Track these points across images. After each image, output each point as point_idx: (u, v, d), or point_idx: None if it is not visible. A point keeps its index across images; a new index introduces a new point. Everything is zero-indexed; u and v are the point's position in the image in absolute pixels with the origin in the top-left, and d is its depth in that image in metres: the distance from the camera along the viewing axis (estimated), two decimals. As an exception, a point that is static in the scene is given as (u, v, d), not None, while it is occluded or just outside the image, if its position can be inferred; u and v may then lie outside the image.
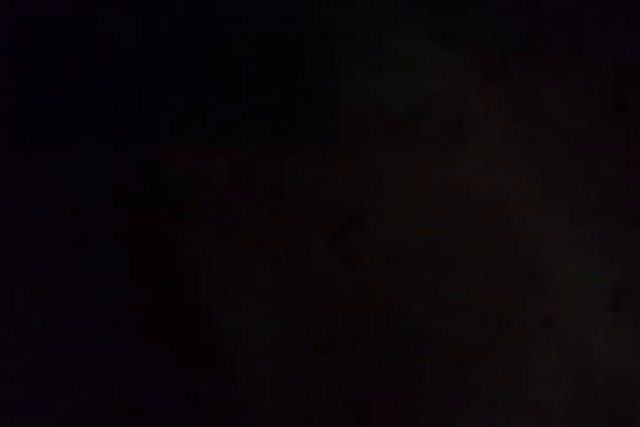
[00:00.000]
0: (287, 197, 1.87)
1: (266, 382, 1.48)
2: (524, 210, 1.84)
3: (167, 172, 1.94)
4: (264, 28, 2.51)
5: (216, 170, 1.94)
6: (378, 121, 2.12)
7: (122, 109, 2.18)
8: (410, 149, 2.02)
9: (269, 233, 1.77)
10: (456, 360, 1.52)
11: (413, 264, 1.71)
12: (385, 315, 1.60)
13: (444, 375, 1.50)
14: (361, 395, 1.46)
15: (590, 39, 2.39)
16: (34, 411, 1.44)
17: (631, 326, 1.60)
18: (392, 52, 2.35)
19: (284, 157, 1.99)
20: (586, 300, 1.65)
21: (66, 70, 2.32)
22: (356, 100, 2.19)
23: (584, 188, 1.91)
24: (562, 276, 1.69)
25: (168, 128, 2.10)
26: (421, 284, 1.67)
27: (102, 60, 2.37)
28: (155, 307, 1.61)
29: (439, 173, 1.95)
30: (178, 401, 1.46)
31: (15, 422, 1.42)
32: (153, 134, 2.08)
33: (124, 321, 1.57)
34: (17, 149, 2.03)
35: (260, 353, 1.52)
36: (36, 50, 2.39)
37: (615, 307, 1.63)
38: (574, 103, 2.17)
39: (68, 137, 2.09)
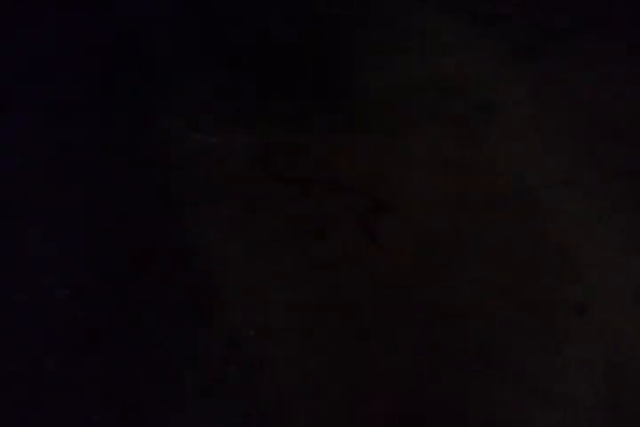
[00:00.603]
0: (315, 179, 1.83)
1: (294, 365, 1.40)
2: (554, 195, 1.79)
3: (189, 149, 1.91)
4: (289, 7, 2.55)
5: (243, 148, 1.91)
6: (407, 103, 2.10)
7: (147, 81, 2.19)
8: (438, 132, 1.99)
9: (297, 214, 1.72)
10: (485, 347, 1.45)
11: (442, 248, 1.66)
12: (413, 299, 1.54)
13: (473, 362, 1.42)
14: (390, 379, 1.38)
15: (619, 22, 2.40)
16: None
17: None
18: (421, 35, 2.36)
19: (312, 138, 1.96)
20: (618, 287, 1.58)
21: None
22: (384, 82, 2.18)
23: (614, 174, 1.86)
24: (593, 262, 1.62)
25: (194, 105, 2.09)
26: (450, 269, 1.61)
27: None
28: (177, 288, 1.54)
29: (468, 156, 1.90)
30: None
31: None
32: (175, 110, 2.06)
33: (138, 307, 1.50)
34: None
35: (286, 336, 1.45)
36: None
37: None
38: (604, 88, 2.14)
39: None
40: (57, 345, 1.41)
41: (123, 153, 1.91)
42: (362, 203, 1.75)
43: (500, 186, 1.82)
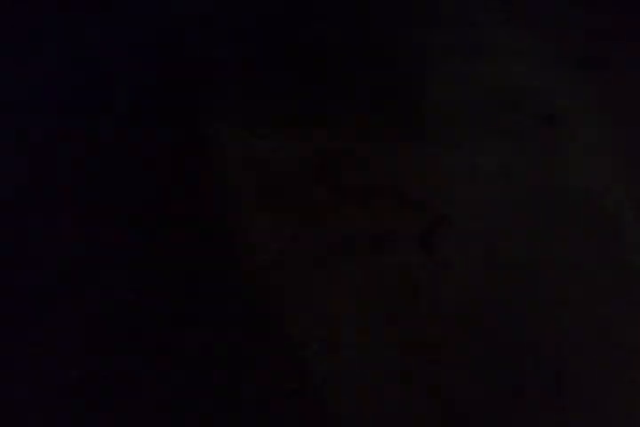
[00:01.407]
0: (372, 190, 1.79)
1: (356, 380, 1.37)
2: (624, 210, 1.73)
3: (243, 154, 1.90)
4: (350, 16, 2.53)
5: (299, 154, 1.89)
6: (469, 114, 2.06)
7: (203, 83, 2.18)
8: (501, 145, 1.94)
9: (355, 226, 1.69)
10: (554, 366, 1.39)
11: (509, 264, 1.60)
12: (479, 317, 1.49)
13: (540, 383, 1.37)
14: (455, 403, 1.33)
15: None
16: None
17: None
18: (481, 42, 2.33)
19: (371, 147, 1.93)
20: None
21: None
22: (448, 92, 2.14)
23: None
24: None
25: (250, 108, 2.07)
26: (519, 286, 1.56)
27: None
28: (234, 302, 1.52)
29: (533, 169, 1.85)
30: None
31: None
32: (230, 113, 2.05)
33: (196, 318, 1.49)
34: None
35: (347, 350, 1.42)
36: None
37: None
38: None
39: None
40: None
41: (175, 156, 1.91)
42: (422, 216, 1.72)
43: (567, 200, 1.76)
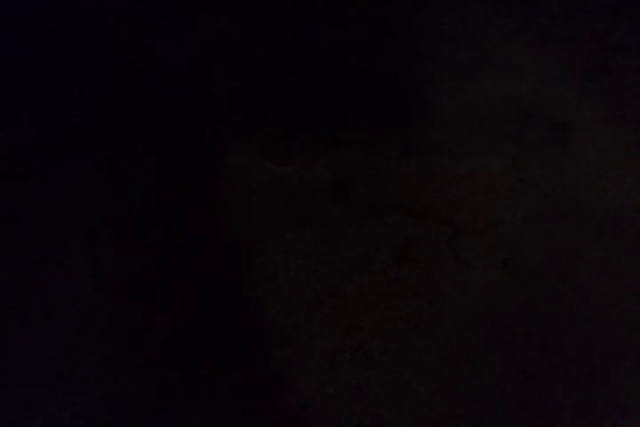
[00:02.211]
0: (392, 204, 1.85)
1: (389, 386, 1.44)
2: (637, 217, 1.77)
3: (263, 179, 1.96)
4: (358, 37, 2.59)
5: (318, 175, 1.96)
6: (484, 125, 2.11)
7: (219, 113, 2.24)
8: (517, 153, 1.99)
9: (379, 240, 1.75)
10: (580, 366, 1.45)
11: (532, 270, 1.66)
12: (500, 318, 1.55)
13: (568, 383, 1.43)
14: (487, 403, 1.40)
15: None
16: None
17: None
18: (497, 57, 2.39)
19: (388, 163, 1.98)
20: None
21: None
22: (461, 104, 2.20)
23: None
24: None
25: (265, 135, 2.13)
26: (542, 290, 1.61)
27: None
28: (269, 314, 1.59)
29: (549, 177, 1.90)
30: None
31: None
32: (246, 141, 2.11)
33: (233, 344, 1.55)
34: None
35: (379, 358, 1.48)
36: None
37: None
38: None
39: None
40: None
41: (195, 186, 1.96)
42: (445, 227, 1.76)
43: (585, 208, 1.80)
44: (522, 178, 1.90)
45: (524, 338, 1.51)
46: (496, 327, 1.53)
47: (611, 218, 1.77)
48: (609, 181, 1.88)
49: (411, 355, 1.49)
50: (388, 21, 2.62)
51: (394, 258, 1.69)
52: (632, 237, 1.72)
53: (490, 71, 2.32)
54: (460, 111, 2.17)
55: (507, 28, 2.53)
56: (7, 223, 1.82)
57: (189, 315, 1.58)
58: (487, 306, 1.57)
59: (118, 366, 1.48)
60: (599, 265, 1.66)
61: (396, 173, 1.95)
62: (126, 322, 1.57)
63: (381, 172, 1.96)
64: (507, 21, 2.56)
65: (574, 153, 1.98)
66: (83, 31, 2.63)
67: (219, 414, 1.40)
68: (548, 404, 1.40)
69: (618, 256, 1.67)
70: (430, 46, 2.47)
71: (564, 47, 2.40)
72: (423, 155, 2.01)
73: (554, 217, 1.78)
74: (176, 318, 1.58)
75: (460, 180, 1.92)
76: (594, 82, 2.23)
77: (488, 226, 1.77)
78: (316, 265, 1.69)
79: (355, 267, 1.68)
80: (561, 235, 1.74)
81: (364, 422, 1.37)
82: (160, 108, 2.26)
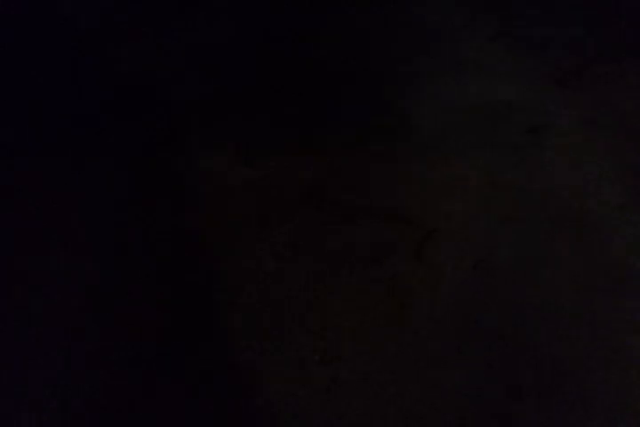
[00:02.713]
0: (366, 208, 1.86)
1: (359, 388, 1.45)
2: (612, 219, 1.80)
3: (235, 183, 1.96)
4: (334, 40, 2.59)
5: (293, 178, 1.96)
6: (458, 130, 2.13)
7: (188, 116, 2.24)
8: (491, 158, 2.01)
9: (351, 243, 1.76)
10: (549, 365, 1.48)
11: (502, 273, 1.68)
12: (473, 319, 1.57)
13: (537, 380, 1.45)
14: (459, 403, 1.42)
15: None
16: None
17: None
18: (466, 60, 2.41)
19: (363, 167, 1.99)
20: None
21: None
22: (436, 110, 2.22)
23: None
24: None
25: (237, 138, 2.13)
26: (512, 293, 1.63)
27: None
28: (234, 318, 1.60)
29: (522, 181, 1.92)
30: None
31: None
32: (217, 144, 2.11)
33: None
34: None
35: (349, 361, 1.50)
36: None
37: None
38: None
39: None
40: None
41: (168, 190, 1.96)
42: (417, 230, 1.77)
43: (556, 211, 1.82)
44: (494, 182, 1.92)
45: (494, 339, 1.53)
46: (466, 328, 1.55)
47: (581, 221, 1.79)
48: (580, 184, 1.91)
49: (381, 356, 1.50)
50: (362, 27, 2.64)
51: (366, 261, 1.71)
52: (601, 240, 1.74)
53: (465, 77, 2.33)
54: (434, 116, 2.18)
55: (482, 35, 2.54)
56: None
57: (159, 316, 1.60)
58: (458, 308, 1.59)
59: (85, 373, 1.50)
60: (568, 266, 1.68)
61: (369, 177, 1.96)
62: (96, 326, 1.59)
63: (355, 175, 1.97)
64: (482, 28, 2.57)
65: (546, 158, 2.00)
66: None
67: (183, 418, 1.41)
68: (518, 405, 1.41)
69: (586, 258, 1.70)
70: (405, 52, 2.48)
71: (538, 54, 2.42)
72: (397, 159, 2.02)
73: (525, 220, 1.81)
74: (145, 318, 1.59)
75: (434, 184, 1.93)
76: (567, 88, 2.25)
77: (460, 229, 1.79)
78: (288, 267, 1.70)
79: (327, 269, 1.69)
80: (531, 237, 1.76)
81: (333, 424, 1.38)
82: (132, 112, 2.27)
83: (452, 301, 1.60)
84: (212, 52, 2.52)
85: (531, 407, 1.40)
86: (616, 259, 1.69)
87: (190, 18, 2.72)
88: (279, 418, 1.39)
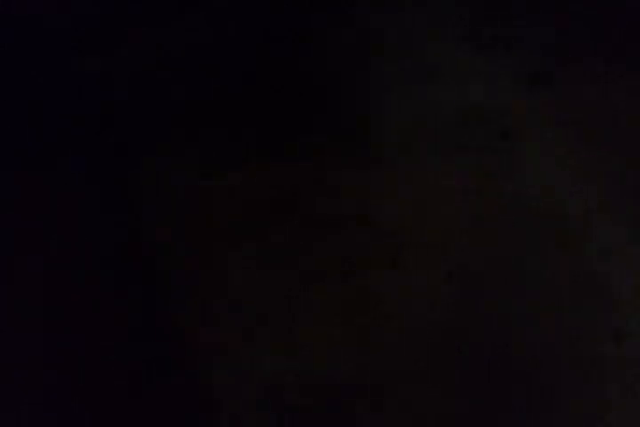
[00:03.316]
0: (338, 216, 1.85)
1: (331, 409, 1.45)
2: (585, 221, 1.80)
3: (203, 191, 1.94)
4: (307, 39, 2.53)
5: (258, 193, 1.92)
6: (428, 133, 2.11)
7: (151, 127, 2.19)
8: (462, 162, 2.00)
9: (325, 253, 1.75)
10: (522, 376, 1.48)
11: (476, 279, 1.68)
12: (445, 330, 1.57)
13: (510, 392, 1.46)
14: (426, 412, 1.43)
15: (632, 47, 2.37)
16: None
17: None
18: (435, 62, 2.37)
19: (334, 173, 1.98)
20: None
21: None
22: (399, 112, 2.19)
23: None
24: (628, 288, 1.64)
25: (205, 149, 2.09)
26: (487, 299, 1.63)
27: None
28: (208, 333, 1.60)
29: (494, 185, 1.92)
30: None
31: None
32: (187, 155, 2.07)
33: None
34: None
35: (321, 379, 1.50)
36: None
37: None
38: (625, 108, 2.12)
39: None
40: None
41: (139, 201, 1.92)
42: (390, 239, 1.76)
43: (528, 212, 1.83)
44: (467, 187, 1.90)
45: (467, 351, 1.52)
46: (439, 341, 1.54)
47: (555, 225, 1.79)
48: (553, 188, 1.90)
49: (353, 371, 1.49)
50: (330, 30, 2.58)
51: (338, 272, 1.69)
52: (575, 243, 1.74)
53: (435, 80, 2.30)
54: (405, 121, 2.16)
55: (453, 37, 2.51)
56: None
57: (121, 331, 1.60)
58: (431, 320, 1.58)
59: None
60: (543, 273, 1.67)
61: (341, 185, 1.94)
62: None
63: (327, 183, 1.95)
64: (453, 30, 2.54)
65: (519, 161, 1.99)
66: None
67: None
68: (491, 418, 1.41)
69: (562, 264, 1.69)
70: (374, 56, 2.44)
71: (509, 56, 2.39)
72: (368, 166, 2.00)
73: (499, 225, 1.80)
74: (105, 335, 1.59)
75: (407, 191, 1.91)
76: (539, 89, 2.23)
77: (434, 236, 1.77)
78: (258, 280, 1.69)
79: (298, 281, 1.68)
80: (506, 243, 1.75)
81: None
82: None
83: (426, 311, 1.59)
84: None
85: (503, 421, 1.41)
86: (590, 263, 1.69)
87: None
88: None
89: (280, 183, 1.95)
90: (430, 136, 2.10)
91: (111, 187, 1.98)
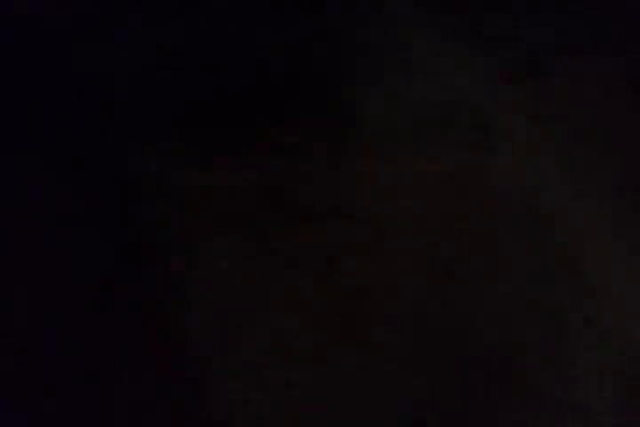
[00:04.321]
0: (321, 209, 1.88)
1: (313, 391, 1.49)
2: (561, 212, 1.86)
3: (187, 186, 1.95)
4: (289, 35, 2.56)
5: (243, 183, 1.95)
6: (407, 128, 2.15)
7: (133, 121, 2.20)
8: (438, 155, 2.04)
9: (306, 244, 1.79)
10: (499, 360, 1.54)
11: (451, 266, 1.73)
12: (426, 316, 1.62)
13: (488, 376, 1.51)
14: (406, 399, 1.47)
15: (609, 40, 2.43)
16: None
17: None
18: (419, 58, 2.40)
19: (314, 167, 2.01)
20: (627, 297, 1.65)
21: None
22: (382, 108, 2.22)
23: (618, 189, 1.92)
24: (600, 273, 1.70)
25: (186, 142, 2.11)
26: (460, 284, 1.69)
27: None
28: (192, 319, 1.62)
29: (472, 179, 1.96)
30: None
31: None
32: (168, 149, 2.08)
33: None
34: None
35: (303, 363, 1.54)
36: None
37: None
38: (599, 105, 2.19)
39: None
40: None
41: (117, 195, 1.95)
42: (371, 230, 1.81)
43: (504, 204, 1.88)
44: (446, 180, 1.95)
45: (443, 336, 1.58)
46: (417, 327, 1.60)
47: (532, 218, 1.85)
48: (531, 182, 1.95)
49: (335, 356, 1.54)
50: (314, 25, 2.59)
51: (321, 261, 1.74)
52: (552, 237, 1.80)
53: (418, 75, 2.33)
54: (387, 114, 2.19)
55: (436, 33, 2.53)
56: None
57: (108, 318, 1.63)
58: (407, 307, 1.64)
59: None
60: (522, 264, 1.74)
61: (323, 177, 1.98)
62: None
63: (309, 176, 1.99)
64: (436, 26, 2.56)
65: (497, 155, 2.04)
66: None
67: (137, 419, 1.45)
68: (466, 400, 1.47)
69: (538, 254, 1.76)
70: (358, 51, 2.46)
71: (493, 51, 2.41)
72: (350, 158, 2.04)
73: (475, 216, 1.85)
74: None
75: (386, 183, 1.96)
76: (522, 84, 2.26)
77: (414, 228, 1.83)
78: (243, 268, 1.72)
79: (283, 271, 1.72)
80: (481, 234, 1.81)
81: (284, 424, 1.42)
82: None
83: (408, 300, 1.65)
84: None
85: (484, 405, 1.46)
86: (565, 256, 1.75)
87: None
88: (231, 421, 1.42)
89: (265, 176, 1.98)
90: (409, 131, 2.13)
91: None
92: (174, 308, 1.63)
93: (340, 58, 2.45)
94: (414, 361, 1.53)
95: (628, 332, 1.58)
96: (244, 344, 1.56)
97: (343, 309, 1.63)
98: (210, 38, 2.54)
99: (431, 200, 1.90)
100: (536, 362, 1.53)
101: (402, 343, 1.56)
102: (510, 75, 2.31)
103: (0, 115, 2.25)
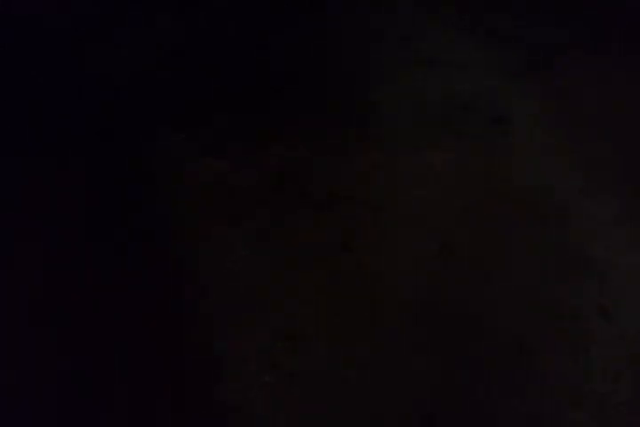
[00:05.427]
0: (333, 195, 1.90)
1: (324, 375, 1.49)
2: (572, 202, 1.87)
3: (204, 172, 1.97)
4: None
5: (259, 168, 1.98)
6: (422, 118, 2.17)
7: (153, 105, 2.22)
8: (455, 147, 2.06)
9: (320, 229, 1.80)
10: (514, 348, 1.54)
11: (466, 256, 1.74)
12: (440, 302, 1.63)
13: (502, 362, 1.51)
14: (421, 385, 1.48)
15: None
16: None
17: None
18: (435, 52, 2.43)
19: (329, 154, 2.03)
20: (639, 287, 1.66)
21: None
22: (397, 100, 2.24)
23: (628, 180, 1.94)
24: (615, 264, 1.71)
25: (204, 129, 2.14)
26: (474, 270, 1.70)
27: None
28: (206, 304, 1.63)
29: (485, 169, 1.98)
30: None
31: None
32: (186, 134, 2.11)
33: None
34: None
35: (315, 348, 1.55)
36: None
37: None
38: (615, 102, 2.19)
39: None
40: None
41: (134, 182, 1.97)
42: (384, 217, 1.83)
43: (518, 194, 1.90)
44: (460, 171, 1.98)
45: (457, 322, 1.59)
46: (428, 313, 1.60)
47: (544, 208, 1.86)
48: (544, 173, 1.97)
49: (344, 343, 1.54)
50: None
51: (336, 248, 1.75)
52: (564, 227, 1.81)
53: (434, 69, 2.36)
54: (403, 107, 2.22)
55: (452, 27, 2.57)
56: None
57: (125, 310, 1.63)
58: (421, 293, 1.65)
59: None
60: (532, 252, 1.74)
61: (337, 167, 2.00)
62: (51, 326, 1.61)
63: (323, 165, 2.00)
64: (452, 20, 2.61)
65: (512, 146, 2.06)
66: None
67: (148, 409, 1.45)
68: (480, 386, 1.46)
69: (549, 244, 1.77)
70: (375, 44, 2.50)
71: (508, 45, 2.45)
72: (365, 148, 2.06)
73: (489, 205, 1.87)
74: (112, 316, 1.62)
75: (401, 172, 1.98)
76: (536, 78, 2.29)
77: (426, 215, 1.85)
78: (259, 254, 1.74)
79: (298, 256, 1.73)
80: (494, 222, 1.83)
81: (297, 410, 1.42)
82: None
83: (420, 285, 1.66)
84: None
85: (497, 391, 1.46)
86: (578, 245, 1.75)
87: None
88: (245, 404, 1.43)
89: (282, 164, 2.00)
90: (425, 122, 2.15)
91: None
92: (189, 294, 1.64)
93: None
94: (428, 346, 1.54)
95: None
96: (258, 329, 1.57)
97: (357, 294, 1.64)
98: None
99: (445, 188, 1.92)
100: (550, 350, 1.53)
101: (416, 328, 1.57)
102: (526, 69, 2.33)
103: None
